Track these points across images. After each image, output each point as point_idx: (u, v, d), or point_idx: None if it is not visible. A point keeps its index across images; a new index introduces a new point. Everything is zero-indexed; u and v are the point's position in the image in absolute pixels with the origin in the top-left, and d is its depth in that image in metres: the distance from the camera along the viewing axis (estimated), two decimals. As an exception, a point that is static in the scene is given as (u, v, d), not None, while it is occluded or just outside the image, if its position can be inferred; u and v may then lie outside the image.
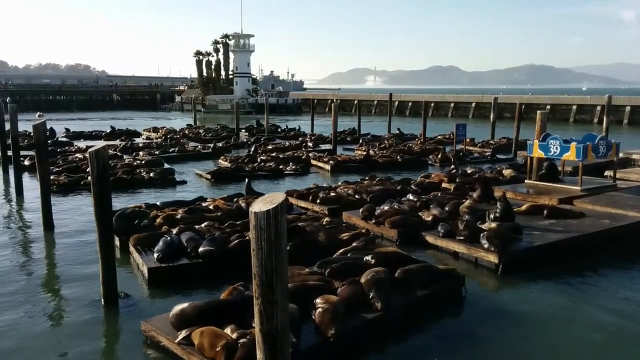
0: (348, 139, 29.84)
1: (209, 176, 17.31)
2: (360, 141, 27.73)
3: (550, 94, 63.27)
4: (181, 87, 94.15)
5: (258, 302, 3.93)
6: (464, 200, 11.24)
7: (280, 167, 18.83)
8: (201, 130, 33.54)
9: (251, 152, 22.24)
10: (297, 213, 11.21)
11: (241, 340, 5.25)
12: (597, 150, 13.13)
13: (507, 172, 15.99)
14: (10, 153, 16.40)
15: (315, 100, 45.06)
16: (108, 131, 32.00)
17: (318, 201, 12.17)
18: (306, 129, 34.85)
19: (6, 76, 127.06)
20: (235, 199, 11.82)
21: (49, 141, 20.23)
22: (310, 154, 21.83)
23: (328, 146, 25.32)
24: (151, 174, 16.56)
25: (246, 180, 13.76)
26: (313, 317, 5.90)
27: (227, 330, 5.54)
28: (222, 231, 9.16)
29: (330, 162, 19.58)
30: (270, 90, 75.91)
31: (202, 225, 9.61)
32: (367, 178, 15.05)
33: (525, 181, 14.04)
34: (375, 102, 65.83)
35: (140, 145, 25.58)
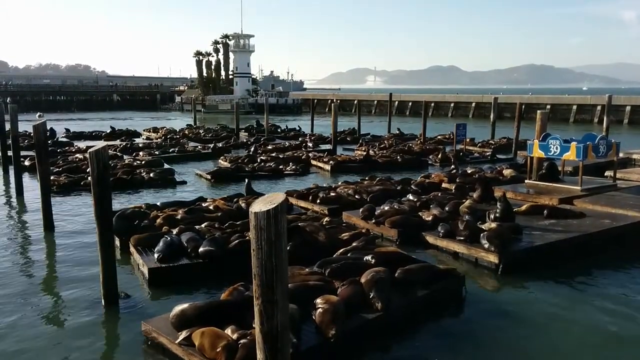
0: (348, 139, 29.84)
1: (209, 176, 17.31)
2: (360, 141, 27.73)
3: (550, 94, 63.28)
4: (181, 88, 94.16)
5: (258, 302, 3.93)
6: (464, 201, 11.24)
7: (280, 167, 18.84)
8: (201, 131, 33.55)
9: (251, 152, 22.25)
10: (297, 213, 11.20)
11: (242, 341, 5.25)
12: (598, 150, 13.13)
13: (507, 172, 15.99)
14: (10, 153, 16.39)
15: (315, 101, 45.06)
16: (108, 131, 32.02)
17: (318, 201, 12.17)
18: (306, 129, 34.85)
19: (6, 76, 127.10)
20: (235, 199, 11.82)
21: (49, 141, 20.23)
22: (310, 154, 21.83)
23: (328, 146, 25.32)
24: (151, 174, 16.56)
25: (246, 180, 13.76)
26: (313, 317, 5.90)
27: (228, 331, 5.54)
28: (223, 231, 9.16)
29: (330, 162, 19.58)
30: (270, 91, 75.92)
31: (203, 225, 9.61)
32: (367, 178, 15.05)
33: (526, 181, 14.04)
34: (375, 102, 65.83)
35: (140, 145, 25.58)
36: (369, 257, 7.53)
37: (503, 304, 7.26)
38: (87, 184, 14.53)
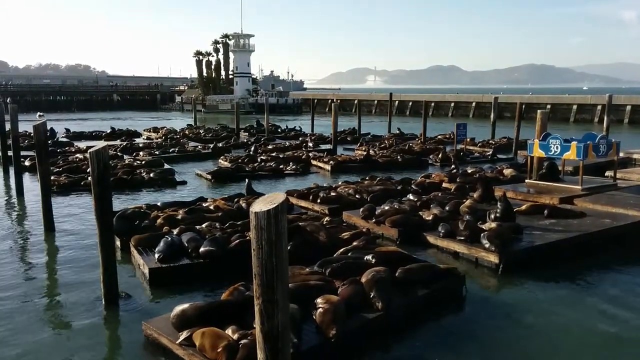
0: (348, 138, 29.83)
1: (209, 176, 17.31)
2: (361, 141, 27.74)
3: (550, 94, 63.29)
4: (181, 87, 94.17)
5: (259, 302, 3.93)
6: (464, 200, 11.24)
7: (281, 167, 18.84)
8: (201, 131, 33.55)
9: (251, 152, 22.24)
10: (298, 213, 11.21)
11: (242, 341, 5.25)
12: (598, 150, 13.13)
13: (507, 171, 15.99)
14: (10, 153, 16.39)
15: (316, 100, 45.05)
16: (108, 131, 32.00)
17: (318, 201, 12.17)
18: (306, 129, 34.84)
19: (6, 76, 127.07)
20: (235, 199, 11.83)
21: (49, 141, 20.22)
22: (311, 154, 21.83)
23: (328, 146, 25.32)
24: (151, 175, 16.56)
25: (246, 180, 13.76)
26: (314, 317, 5.90)
27: (228, 331, 5.54)
28: (223, 231, 9.16)
29: (331, 162, 19.57)
30: (270, 90, 75.89)
31: (203, 225, 9.61)
32: (367, 178, 15.04)
33: (526, 181, 14.04)
34: (376, 102, 65.81)
35: (141, 145, 25.59)
36: (369, 257, 7.53)
37: (503, 304, 7.26)
38: (87, 184, 14.53)
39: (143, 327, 6.20)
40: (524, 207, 11.01)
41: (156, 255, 8.15)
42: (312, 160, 20.64)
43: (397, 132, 31.69)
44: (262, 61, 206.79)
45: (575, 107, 48.29)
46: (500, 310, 7.06)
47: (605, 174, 15.32)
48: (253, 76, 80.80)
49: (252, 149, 23.48)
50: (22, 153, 16.73)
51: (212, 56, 77.30)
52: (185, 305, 5.99)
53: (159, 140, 28.71)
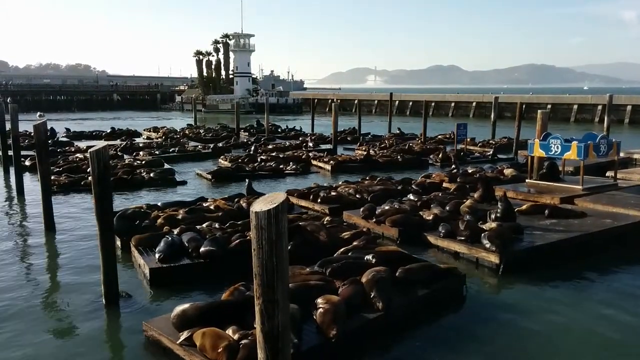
0: (348, 138, 29.82)
1: (209, 176, 17.30)
2: (361, 141, 27.71)
3: (551, 94, 63.25)
4: (181, 87, 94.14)
5: (259, 302, 3.93)
6: (464, 200, 11.23)
7: (281, 166, 18.83)
8: (201, 130, 33.55)
9: (251, 152, 22.23)
10: (298, 212, 11.20)
11: (243, 341, 5.25)
12: (598, 149, 13.12)
13: (508, 171, 15.98)
14: (11, 153, 16.39)
15: (316, 100, 45.03)
16: (108, 131, 32.00)
17: (319, 200, 12.17)
18: (306, 129, 34.83)
19: (7, 76, 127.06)
20: (236, 199, 11.82)
21: (50, 141, 20.22)
22: (311, 154, 21.82)
23: (328, 146, 25.31)
24: (151, 174, 16.56)
25: (247, 181, 13.77)
26: (314, 317, 5.89)
27: (229, 331, 5.53)
28: (223, 231, 9.16)
29: (331, 162, 19.56)
30: (270, 90, 75.84)
31: (204, 225, 9.61)
32: (367, 178, 15.04)
33: (526, 181, 14.04)
34: (376, 101, 65.79)
35: (141, 145, 25.58)
36: (369, 257, 7.52)
37: (504, 304, 7.26)
38: (87, 184, 14.52)
39: (143, 327, 6.19)
40: (524, 206, 11.00)
41: (156, 255, 8.15)
42: (312, 160, 20.63)
43: (398, 132, 31.68)
44: (262, 61, 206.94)
45: (575, 107, 48.26)
46: (501, 310, 7.05)
47: (606, 174, 15.31)
48: (253, 76, 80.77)
49: (252, 148, 23.47)
50: (23, 153, 16.74)
51: (212, 56, 77.37)
52: (186, 305, 5.99)
53: (159, 140, 28.72)
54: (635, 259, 9.36)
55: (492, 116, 28.29)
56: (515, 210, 10.49)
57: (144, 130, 35.03)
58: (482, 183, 12.37)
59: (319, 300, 6.04)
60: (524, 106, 29.35)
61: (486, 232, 8.86)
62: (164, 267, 7.94)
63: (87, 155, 7.05)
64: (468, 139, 24.54)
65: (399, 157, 20.59)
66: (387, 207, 10.87)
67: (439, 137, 29.13)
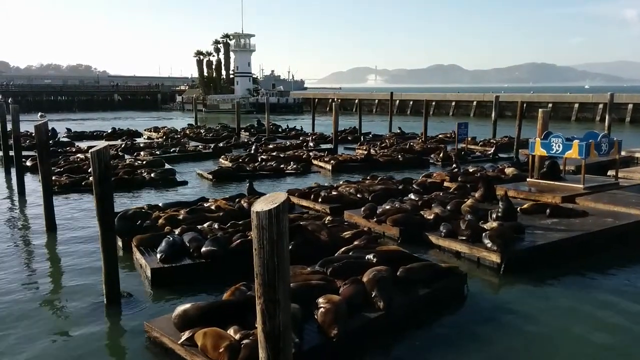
0: (349, 138, 29.81)
1: (210, 176, 17.31)
2: (362, 140, 27.67)
3: (552, 92, 63.17)
4: (182, 87, 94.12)
5: (260, 302, 3.93)
6: (465, 200, 11.22)
7: (282, 166, 18.83)
8: (202, 130, 33.55)
9: (252, 152, 22.23)
10: (299, 212, 11.20)
11: (244, 341, 5.25)
12: (600, 148, 13.11)
13: (509, 170, 15.97)
14: (12, 153, 16.40)
15: (316, 100, 45.05)
16: (109, 131, 32.02)
17: (320, 200, 12.17)
18: (307, 129, 34.83)
19: (8, 77, 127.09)
20: (237, 199, 11.83)
21: (51, 141, 20.24)
22: (311, 154, 21.81)
23: (329, 145, 25.31)
24: (152, 175, 16.56)
25: (248, 181, 13.77)
26: (315, 316, 5.89)
27: (230, 331, 5.53)
28: (225, 231, 9.16)
29: (332, 161, 19.55)
30: (271, 90, 75.83)
31: (205, 225, 9.61)
32: (368, 177, 15.03)
33: (527, 180, 14.02)
34: (376, 101, 65.77)
35: (142, 145, 25.59)
36: (370, 256, 7.52)
37: (505, 304, 7.25)
38: (88, 184, 14.53)
39: (145, 327, 6.20)
40: (527, 205, 10.99)
41: (158, 255, 8.15)
42: (312, 160, 20.62)
43: (398, 131, 31.66)
44: (263, 61, 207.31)
45: (576, 105, 48.21)
46: (502, 309, 7.05)
47: (607, 173, 15.29)
48: (254, 76, 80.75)
49: (253, 148, 23.47)
50: (24, 153, 16.73)
51: (213, 56, 77.36)
52: (187, 305, 5.99)
53: (160, 140, 28.72)
54: (636, 258, 9.35)
55: (493, 115, 28.28)
56: (518, 209, 10.48)
57: (145, 130, 35.04)
58: (483, 182, 12.36)
59: (320, 300, 6.04)
60: (524, 105, 29.29)
61: (487, 232, 8.86)
62: (166, 267, 7.94)
63: (88, 155, 7.07)
64: (469, 138, 24.51)
65: (399, 156, 20.58)
66: (388, 207, 10.86)
67: (440, 136, 29.11)
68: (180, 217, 10.18)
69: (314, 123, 35.11)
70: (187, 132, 32.46)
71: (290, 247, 4.10)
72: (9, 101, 52.52)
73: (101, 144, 7.50)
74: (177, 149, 23.75)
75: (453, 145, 23.83)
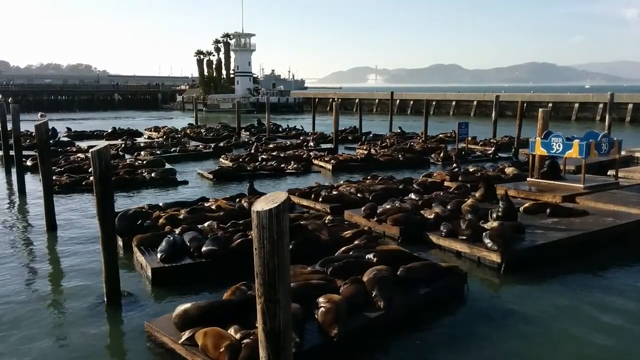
0: (349, 137, 29.79)
1: (210, 176, 17.31)
2: (362, 140, 27.66)
3: (552, 92, 63.15)
4: (182, 87, 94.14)
5: (261, 301, 3.93)
6: (466, 199, 11.22)
7: (282, 166, 18.83)
8: (202, 130, 33.55)
9: (252, 152, 22.23)
10: (299, 212, 11.20)
11: (245, 341, 5.25)
12: (600, 148, 13.11)
13: (509, 170, 15.97)
14: (12, 153, 16.41)
15: (317, 99, 45.04)
16: (109, 131, 32.01)
17: (320, 199, 12.17)
18: (307, 128, 34.83)
19: (8, 76, 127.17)
20: (237, 199, 11.84)
21: (51, 141, 20.23)
22: (312, 153, 21.82)
23: (329, 145, 25.30)
24: (152, 174, 16.57)
25: (248, 182, 13.77)
26: (316, 316, 5.90)
27: (231, 331, 5.54)
28: (225, 231, 9.17)
29: (332, 161, 19.55)
30: (271, 90, 75.80)
31: (205, 224, 9.61)
32: (368, 177, 15.03)
33: (528, 179, 14.03)
34: (377, 100, 65.74)
35: (142, 145, 25.59)
36: (371, 256, 7.52)
37: (505, 303, 7.26)
38: (89, 184, 14.53)
39: (145, 326, 6.20)
40: (528, 204, 10.99)
41: (158, 255, 8.15)
42: (313, 160, 20.62)
43: (399, 131, 31.65)
44: (263, 60, 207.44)
45: (577, 105, 48.20)
46: (502, 309, 7.05)
47: (608, 173, 15.29)
48: (254, 75, 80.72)
49: (254, 148, 23.46)
50: (24, 153, 16.75)
51: (213, 55, 77.39)
52: (188, 305, 6.00)
53: (160, 139, 28.72)
54: (636, 257, 9.35)
55: (493, 115, 28.27)
56: (519, 208, 10.48)
57: (145, 130, 35.02)
58: (483, 182, 12.36)
59: (321, 300, 6.04)
60: (525, 105, 29.31)
61: (487, 231, 8.86)
62: (166, 266, 7.94)
63: (89, 155, 7.07)
64: (469, 138, 24.51)
65: (400, 156, 20.58)
66: (388, 206, 10.87)
67: (440, 136, 29.10)
68: (181, 216, 10.18)
69: (314, 123, 35.11)
70: (188, 131, 32.46)
71: (290, 246, 4.10)
72: (9, 101, 52.51)
73: (101, 143, 7.50)
74: (178, 148, 23.75)
75: (453, 144, 23.83)
